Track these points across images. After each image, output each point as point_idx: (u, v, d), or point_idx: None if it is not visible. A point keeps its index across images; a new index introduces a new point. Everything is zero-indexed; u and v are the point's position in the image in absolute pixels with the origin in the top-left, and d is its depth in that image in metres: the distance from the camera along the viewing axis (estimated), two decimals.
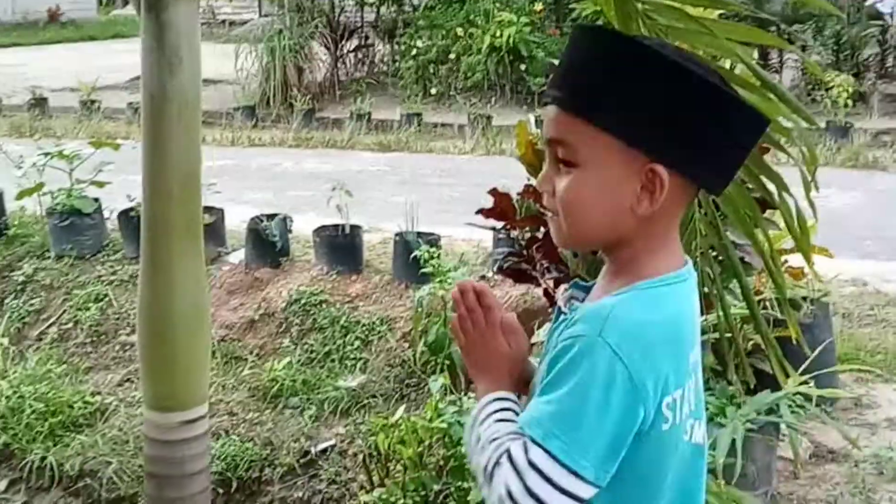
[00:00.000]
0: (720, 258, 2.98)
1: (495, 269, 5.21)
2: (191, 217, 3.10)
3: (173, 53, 2.95)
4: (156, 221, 3.06)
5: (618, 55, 1.40)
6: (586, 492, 1.34)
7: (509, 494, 1.34)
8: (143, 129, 3.06)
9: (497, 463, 1.38)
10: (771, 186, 2.58)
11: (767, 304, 4.26)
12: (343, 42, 14.59)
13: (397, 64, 14.45)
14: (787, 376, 3.15)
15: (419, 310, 5.19)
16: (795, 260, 4.14)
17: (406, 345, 5.69)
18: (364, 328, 5.89)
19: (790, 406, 3.67)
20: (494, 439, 1.41)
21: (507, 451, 1.37)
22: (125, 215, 6.78)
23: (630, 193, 1.40)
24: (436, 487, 3.76)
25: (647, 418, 1.36)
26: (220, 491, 4.83)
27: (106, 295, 6.52)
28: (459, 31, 13.24)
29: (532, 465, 1.34)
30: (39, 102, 13.99)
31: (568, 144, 1.43)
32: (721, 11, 3.40)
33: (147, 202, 3.08)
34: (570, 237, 1.47)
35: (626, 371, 1.33)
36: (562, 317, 1.52)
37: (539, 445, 1.34)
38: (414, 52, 13.72)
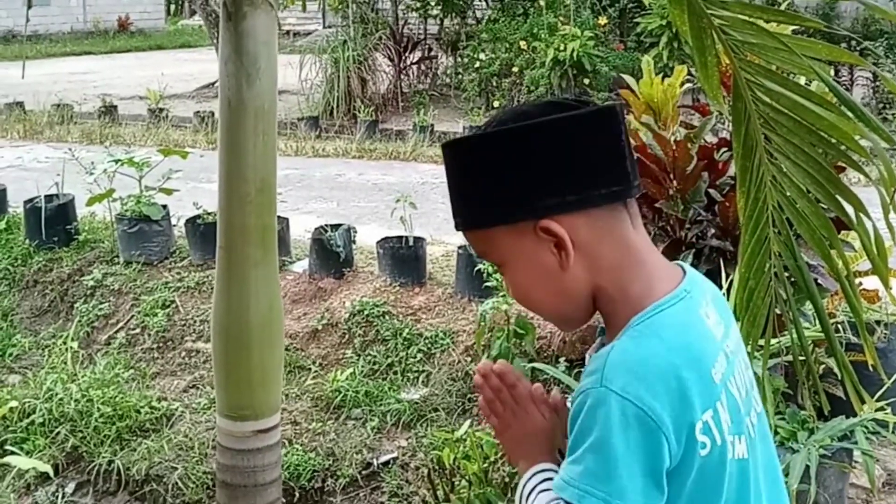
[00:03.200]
0: (793, 279, 2.93)
1: None
2: (266, 224, 3.11)
3: (251, 63, 2.98)
4: (232, 228, 3.07)
5: (451, 161, 1.48)
6: None
7: None
8: (219, 137, 3.09)
9: None
10: (847, 207, 2.53)
11: (839, 327, 4.19)
12: (406, 54, 14.67)
13: (460, 76, 14.48)
14: (863, 402, 3.08)
15: (482, 324, 5.17)
16: (868, 283, 4.07)
17: (469, 359, 5.67)
18: (427, 341, 5.88)
19: (864, 432, 3.60)
20: None
21: None
22: (192, 223, 6.87)
23: (550, 258, 1.42)
24: None
25: (676, 449, 1.34)
26: (283, 500, 4.85)
27: (173, 301, 6.60)
28: (523, 44, 13.21)
29: None
30: (109, 110, 14.27)
31: (484, 253, 1.50)
32: (794, 27, 3.37)
33: (223, 209, 3.09)
34: (556, 323, 1.55)
35: (638, 410, 1.32)
36: None
37: None
38: (477, 64, 13.73)
